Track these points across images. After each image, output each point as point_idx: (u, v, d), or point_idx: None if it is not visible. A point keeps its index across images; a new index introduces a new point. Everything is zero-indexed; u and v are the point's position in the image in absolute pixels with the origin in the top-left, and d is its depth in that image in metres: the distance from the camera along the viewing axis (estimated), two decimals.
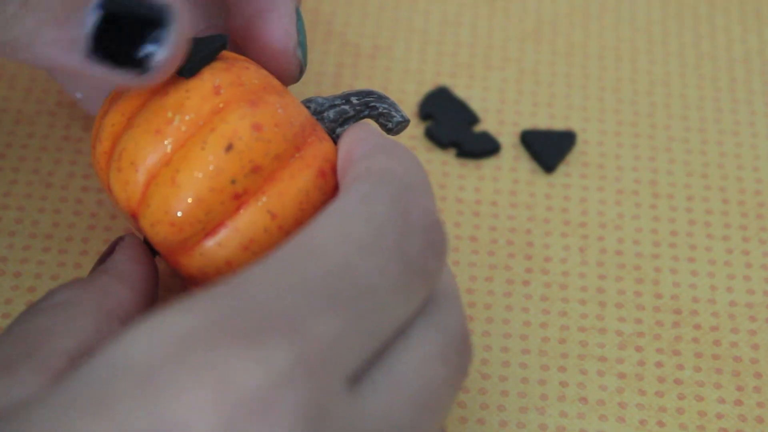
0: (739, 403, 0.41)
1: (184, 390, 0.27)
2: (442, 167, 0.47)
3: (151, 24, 0.34)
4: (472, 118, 0.49)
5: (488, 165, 0.48)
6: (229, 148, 0.35)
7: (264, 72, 0.37)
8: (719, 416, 0.40)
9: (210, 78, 0.36)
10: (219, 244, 0.35)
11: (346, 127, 0.38)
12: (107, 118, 0.37)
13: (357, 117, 0.38)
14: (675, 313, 0.43)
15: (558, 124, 0.49)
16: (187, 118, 0.35)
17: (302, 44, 0.40)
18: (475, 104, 0.50)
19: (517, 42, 0.52)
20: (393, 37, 0.52)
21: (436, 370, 0.32)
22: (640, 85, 0.51)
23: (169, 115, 0.35)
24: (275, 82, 0.37)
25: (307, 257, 0.30)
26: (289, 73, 0.40)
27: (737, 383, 0.41)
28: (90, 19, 0.33)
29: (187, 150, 0.35)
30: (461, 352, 0.33)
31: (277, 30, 0.39)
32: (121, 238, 0.38)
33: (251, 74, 0.37)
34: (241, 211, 0.35)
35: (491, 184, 0.47)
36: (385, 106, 0.38)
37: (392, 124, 0.38)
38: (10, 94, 0.49)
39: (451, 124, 0.49)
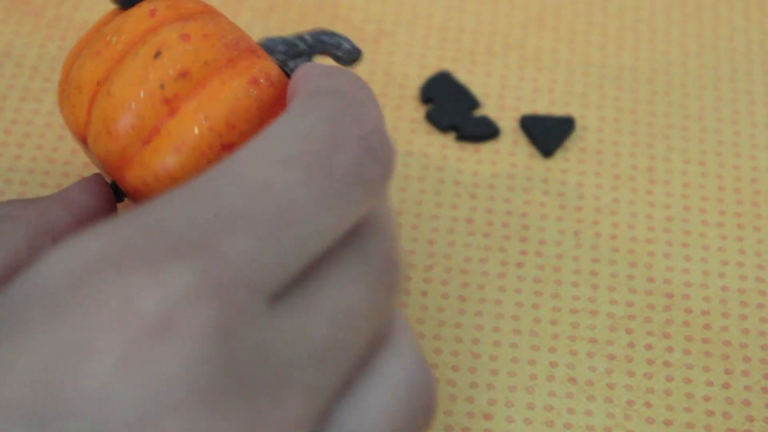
0: (727, 386, 0.41)
1: (88, 314, 0.27)
2: (442, 150, 0.48)
3: None
4: (473, 103, 0.50)
5: (487, 149, 0.48)
6: (158, 55, 0.37)
7: (204, 2, 0.39)
8: (707, 398, 0.41)
9: (147, 4, 0.38)
10: (154, 149, 0.37)
11: (297, 61, 0.39)
12: (65, 61, 0.40)
13: (309, 53, 0.39)
14: (667, 296, 0.44)
15: (558, 111, 0.50)
16: (123, 38, 0.37)
17: None
18: (476, 89, 0.50)
19: (520, 28, 0.53)
20: (397, 22, 0.53)
21: (355, 289, 0.31)
22: (641, 73, 0.51)
23: (108, 38, 0.38)
24: (215, 10, 0.39)
25: (227, 178, 0.30)
26: None
27: (726, 367, 0.42)
28: None
29: (122, 64, 0.37)
30: (386, 271, 0.32)
31: None
32: (86, 177, 0.39)
33: (189, 1, 0.39)
34: (174, 116, 0.37)
35: (489, 168, 0.47)
36: (337, 39, 0.39)
37: (341, 53, 0.38)
38: (18, 71, 0.49)
39: (452, 108, 0.49)
